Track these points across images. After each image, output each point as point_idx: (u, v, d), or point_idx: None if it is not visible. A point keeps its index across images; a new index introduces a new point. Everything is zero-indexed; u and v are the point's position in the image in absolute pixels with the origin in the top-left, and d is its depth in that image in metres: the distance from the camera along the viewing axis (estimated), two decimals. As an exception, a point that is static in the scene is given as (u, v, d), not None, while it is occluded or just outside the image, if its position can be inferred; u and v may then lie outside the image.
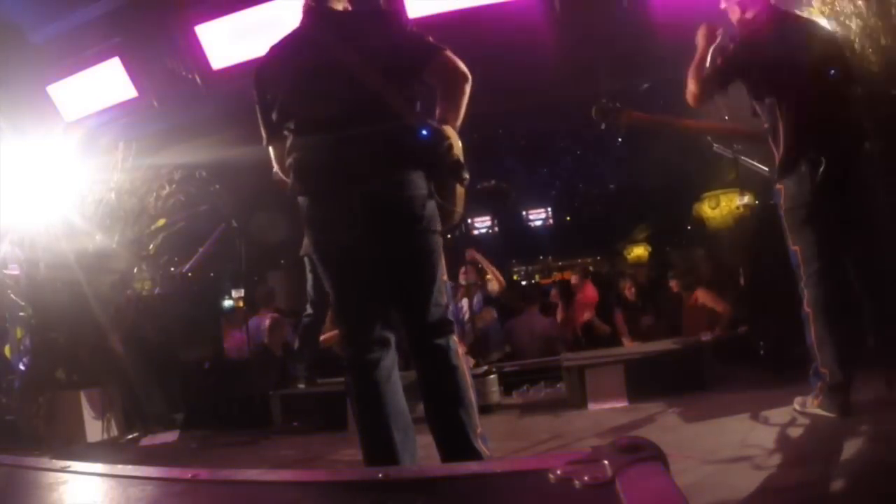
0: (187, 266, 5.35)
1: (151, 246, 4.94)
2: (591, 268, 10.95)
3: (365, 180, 2.05)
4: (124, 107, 6.30)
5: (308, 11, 2.26)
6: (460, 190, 2.19)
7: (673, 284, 5.97)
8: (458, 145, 2.10)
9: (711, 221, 10.61)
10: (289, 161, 2.17)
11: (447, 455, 2.08)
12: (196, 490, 0.82)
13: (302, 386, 4.52)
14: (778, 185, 2.66)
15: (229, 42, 5.93)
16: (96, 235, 4.54)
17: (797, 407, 2.71)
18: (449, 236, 2.39)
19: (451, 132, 2.09)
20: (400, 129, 2.05)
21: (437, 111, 2.13)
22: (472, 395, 2.13)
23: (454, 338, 2.15)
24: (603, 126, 3.03)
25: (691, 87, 2.75)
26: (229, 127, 6.26)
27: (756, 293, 4.30)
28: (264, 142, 2.28)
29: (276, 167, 2.30)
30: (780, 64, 2.60)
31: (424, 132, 2.04)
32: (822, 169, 2.50)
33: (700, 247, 10.20)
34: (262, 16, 5.75)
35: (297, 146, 2.16)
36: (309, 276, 4.51)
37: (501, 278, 5.99)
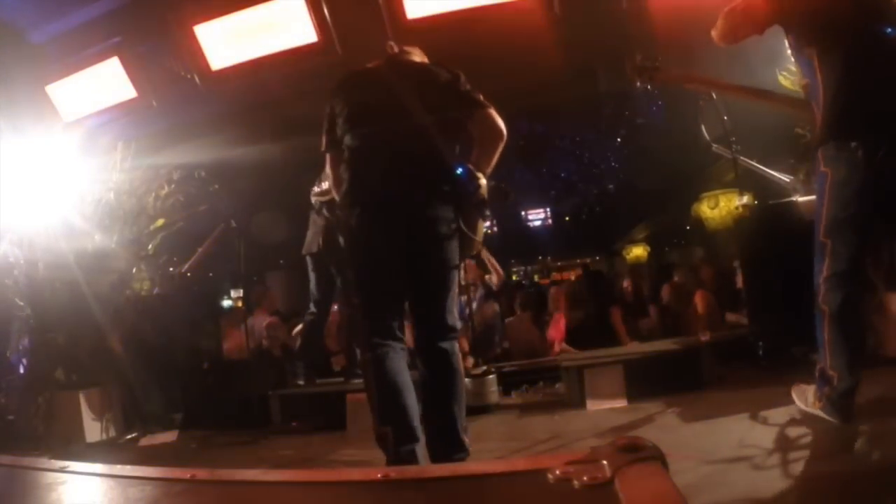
0: (186, 266, 5.34)
1: (150, 246, 4.95)
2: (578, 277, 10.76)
3: (410, 204, 2.42)
4: (123, 107, 6.30)
5: (389, 58, 2.70)
6: (481, 224, 2.57)
7: (678, 282, 5.97)
8: (484, 185, 2.43)
9: (710, 222, 10.62)
10: (345, 175, 2.53)
11: (436, 441, 2.39)
12: (195, 490, 0.82)
13: (301, 383, 4.52)
14: (823, 168, 2.32)
15: (228, 42, 5.92)
16: (95, 235, 4.55)
17: (795, 396, 2.58)
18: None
19: (481, 177, 2.43)
20: (443, 167, 2.43)
21: (473, 156, 2.48)
22: (464, 394, 2.46)
23: (457, 343, 2.49)
24: (638, 84, 2.82)
25: (721, 23, 2.48)
26: (228, 127, 6.26)
27: (755, 293, 4.30)
28: (322, 147, 2.66)
29: (328, 172, 2.69)
30: (823, 8, 2.30)
31: (461, 171, 2.40)
32: (880, 156, 2.18)
33: (699, 247, 10.21)
34: (262, 16, 5.75)
35: (355, 163, 2.51)
36: (312, 276, 4.51)
37: (500, 271, 6.01)
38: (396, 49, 2.74)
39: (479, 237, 2.60)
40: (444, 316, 2.44)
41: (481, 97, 2.49)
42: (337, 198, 2.62)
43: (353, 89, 2.64)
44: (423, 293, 2.48)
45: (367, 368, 2.47)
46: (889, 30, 2.27)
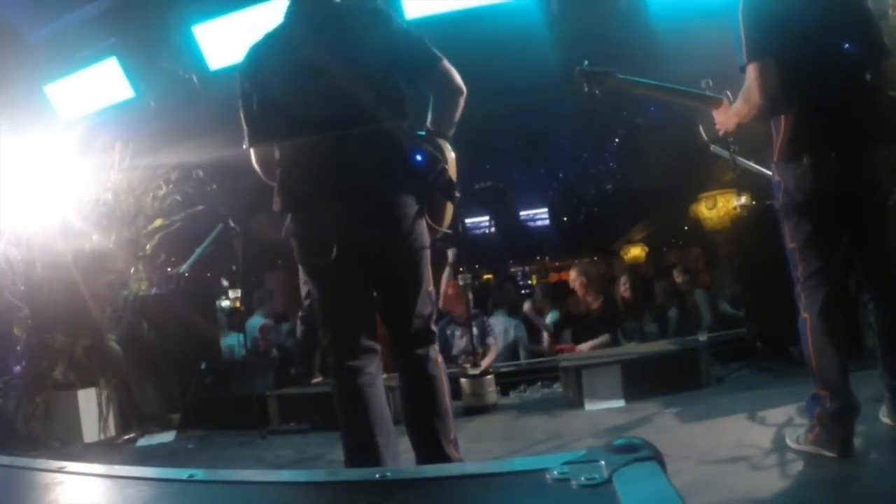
0: (184, 266, 5.33)
1: (148, 246, 4.93)
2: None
3: (356, 199, 2.05)
4: (121, 107, 6.30)
5: (296, 1, 2.17)
6: (449, 209, 2.25)
7: (678, 281, 5.98)
8: (451, 158, 2.14)
9: (708, 222, 10.63)
10: (277, 173, 2.15)
11: (420, 459, 2.17)
12: (193, 491, 0.82)
13: (319, 380, 4.51)
14: (776, 178, 2.34)
15: (227, 42, 5.93)
16: (93, 235, 4.53)
17: (789, 442, 2.36)
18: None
19: (445, 145, 2.13)
20: (394, 148, 2.06)
21: (431, 119, 2.16)
22: (447, 403, 2.20)
23: (434, 347, 2.22)
24: (586, 89, 2.77)
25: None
26: (227, 127, 6.22)
27: (753, 293, 4.31)
28: (246, 144, 2.22)
29: (259, 171, 2.25)
30: (779, 22, 2.22)
31: (419, 157, 2.04)
32: (828, 164, 2.18)
33: (697, 247, 10.22)
34: (260, 16, 5.74)
35: (285, 157, 2.13)
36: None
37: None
38: None
39: (447, 222, 2.28)
40: (416, 320, 2.16)
41: (432, 47, 2.12)
42: (274, 207, 2.19)
43: (265, 71, 2.15)
44: (389, 300, 2.20)
45: (336, 398, 2.16)
46: (847, 45, 2.25)
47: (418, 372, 2.18)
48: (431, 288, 2.25)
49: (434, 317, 2.28)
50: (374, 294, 2.20)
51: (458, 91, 2.14)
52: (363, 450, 2.08)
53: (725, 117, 2.49)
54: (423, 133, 2.16)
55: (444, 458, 2.11)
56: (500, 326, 5.62)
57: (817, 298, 2.23)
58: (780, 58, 2.22)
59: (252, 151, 2.22)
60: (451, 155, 2.16)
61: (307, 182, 2.10)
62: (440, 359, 2.25)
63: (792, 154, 2.27)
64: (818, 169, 2.21)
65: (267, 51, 2.17)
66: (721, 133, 2.58)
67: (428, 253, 2.19)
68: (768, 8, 2.26)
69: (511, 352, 5.65)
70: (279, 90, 2.10)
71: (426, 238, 2.17)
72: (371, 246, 2.09)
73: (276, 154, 2.16)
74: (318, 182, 2.08)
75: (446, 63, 2.11)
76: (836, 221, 2.28)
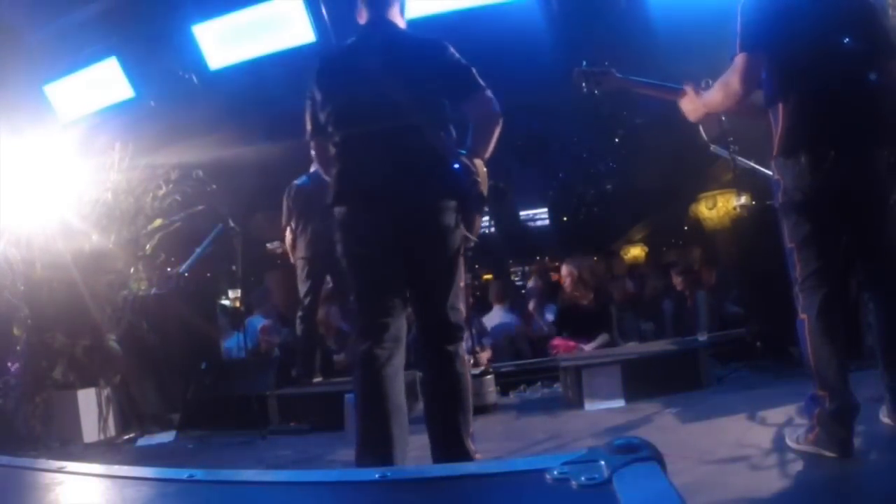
0: (184, 266, 5.33)
1: (148, 246, 4.93)
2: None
3: (402, 199, 2.28)
4: (121, 107, 6.31)
5: (366, 26, 2.47)
6: (478, 220, 2.51)
7: (677, 283, 5.98)
8: (483, 174, 2.36)
9: (708, 222, 10.63)
10: (334, 169, 2.40)
11: (440, 450, 2.30)
12: (193, 491, 0.82)
13: (319, 380, 4.52)
14: (776, 176, 2.32)
15: (226, 42, 5.93)
16: (93, 235, 4.53)
17: (789, 442, 2.35)
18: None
19: (480, 164, 2.35)
20: (437, 158, 2.31)
21: (470, 141, 2.39)
22: (469, 400, 2.36)
23: (462, 346, 2.39)
24: (584, 90, 2.82)
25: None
26: (226, 127, 6.26)
27: (753, 293, 4.31)
28: (307, 136, 2.50)
29: (316, 162, 2.61)
30: (777, 17, 2.23)
31: (457, 166, 2.30)
32: (827, 162, 2.15)
33: (697, 247, 10.22)
34: (259, 16, 5.75)
35: (342, 157, 2.38)
36: (305, 280, 4.54)
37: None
38: (369, 14, 2.45)
39: (475, 234, 2.50)
40: (448, 314, 2.31)
41: (476, 76, 2.36)
42: (328, 200, 2.44)
43: (334, 79, 2.43)
44: (423, 291, 2.36)
45: (357, 385, 2.30)
46: (846, 40, 2.23)
47: (447, 368, 2.31)
48: (463, 284, 2.43)
49: (465, 314, 2.46)
50: (408, 291, 2.37)
51: (495, 117, 2.38)
52: (376, 439, 2.18)
53: (693, 106, 2.50)
54: (463, 151, 2.38)
55: (464, 451, 2.26)
56: (500, 320, 5.66)
57: (816, 299, 2.21)
58: (778, 52, 2.22)
59: (312, 144, 2.52)
60: (483, 170, 2.37)
61: (359, 181, 2.33)
62: (466, 357, 2.43)
63: (789, 150, 2.25)
64: (817, 167, 2.18)
65: (336, 62, 2.51)
66: (693, 120, 2.58)
67: (461, 253, 2.38)
68: (769, 2, 2.26)
69: (513, 347, 5.67)
70: (343, 98, 2.38)
71: (461, 239, 2.36)
72: (413, 241, 2.29)
73: (332, 151, 2.40)
74: (370, 182, 2.31)
75: (488, 92, 2.36)
76: (836, 221, 2.26)
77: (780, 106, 2.26)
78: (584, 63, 2.71)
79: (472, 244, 2.48)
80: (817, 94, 2.22)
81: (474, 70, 2.36)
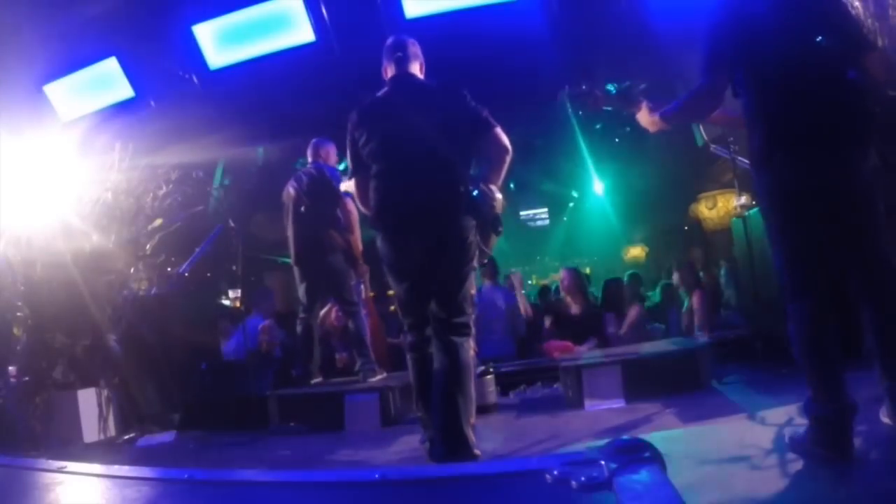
0: (184, 266, 5.33)
1: (148, 246, 4.94)
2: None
3: (431, 222, 2.76)
4: (121, 107, 6.30)
5: (394, 79, 2.95)
6: (494, 238, 2.91)
7: (677, 282, 5.98)
8: (499, 199, 2.79)
9: (708, 222, 10.63)
10: (374, 198, 2.86)
11: (440, 434, 2.63)
12: (193, 491, 0.82)
13: (319, 380, 4.52)
14: (756, 182, 2.27)
15: (226, 42, 5.93)
16: (93, 235, 4.54)
17: (789, 442, 2.31)
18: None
19: (494, 190, 2.77)
20: (460, 187, 2.75)
21: (486, 172, 2.82)
22: (472, 391, 2.73)
23: (469, 340, 2.81)
24: (580, 113, 3.08)
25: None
26: (226, 127, 6.26)
27: (753, 293, 4.31)
28: (349, 174, 3.04)
29: (356, 196, 3.02)
30: (743, 27, 2.20)
31: (476, 193, 2.73)
32: (803, 165, 2.12)
33: (697, 247, 10.22)
34: (259, 16, 5.75)
35: (381, 188, 2.84)
36: (300, 283, 4.55)
37: (529, 308, 5.97)
38: (396, 70, 2.93)
39: (491, 249, 2.97)
40: (459, 312, 2.77)
41: (488, 116, 2.80)
42: (369, 225, 2.97)
43: (373, 122, 2.89)
44: (444, 294, 2.78)
45: (410, 364, 2.92)
46: (819, 38, 2.17)
47: (454, 355, 2.69)
48: (473, 291, 2.95)
49: (473, 315, 2.91)
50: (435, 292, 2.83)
51: (504, 151, 2.82)
52: (427, 395, 2.76)
53: (649, 120, 2.60)
54: (479, 179, 2.81)
55: (463, 437, 2.58)
56: (491, 296, 5.89)
57: (803, 306, 2.17)
58: (748, 61, 2.21)
59: (353, 181, 2.99)
60: (499, 196, 2.79)
61: (397, 209, 2.82)
62: (473, 352, 2.85)
63: (767, 154, 2.20)
64: (795, 169, 2.14)
65: (373, 109, 2.95)
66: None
67: (475, 265, 2.87)
68: (734, 13, 2.26)
69: (511, 329, 5.84)
70: (379, 139, 2.85)
71: (476, 253, 2.83)
72: (440, 255, 2.76)
73: (372, 185, 2.87)
74: (405, 209, 2.79)
75: (498, 129, 2.81)
76: (818, 225, 2.18)
77: (756, 111, 2.23)
78: (567, 87, 2.99)
79: (486, 259, 2.96)
80: (792, 95, 2.16)
81: (487, 111, 2.81)
